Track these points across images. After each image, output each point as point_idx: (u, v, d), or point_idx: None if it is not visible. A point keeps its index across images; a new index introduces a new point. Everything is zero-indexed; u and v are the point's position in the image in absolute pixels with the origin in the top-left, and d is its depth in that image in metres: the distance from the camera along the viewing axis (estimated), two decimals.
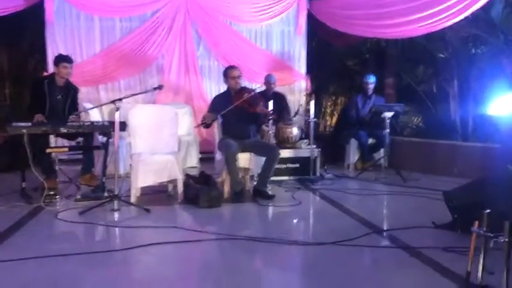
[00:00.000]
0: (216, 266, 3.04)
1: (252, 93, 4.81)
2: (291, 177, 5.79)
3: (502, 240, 2.18)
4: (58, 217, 3.95)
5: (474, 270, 2.32)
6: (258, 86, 5.88)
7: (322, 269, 2.91)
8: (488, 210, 2.34)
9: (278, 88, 6.84)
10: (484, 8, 5.83)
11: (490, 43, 6.71)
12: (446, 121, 7.37)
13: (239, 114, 4.74)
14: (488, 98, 6.04)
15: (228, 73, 4.98)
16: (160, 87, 4.63)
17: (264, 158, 4.80)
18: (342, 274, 2.80)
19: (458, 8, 5.81)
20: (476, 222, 2.37)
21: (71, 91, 5.11)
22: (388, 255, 3.13)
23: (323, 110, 9.10)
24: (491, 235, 2.28)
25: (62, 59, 5.00)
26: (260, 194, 4.72)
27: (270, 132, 5.52)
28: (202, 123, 4.71)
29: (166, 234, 3.56)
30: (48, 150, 4.65)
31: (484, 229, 2.33)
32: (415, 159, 6.52)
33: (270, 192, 4.77)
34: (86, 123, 4.67)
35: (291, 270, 3.02)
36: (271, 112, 5.03)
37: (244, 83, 7.32)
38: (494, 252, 2.26)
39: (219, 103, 4.91)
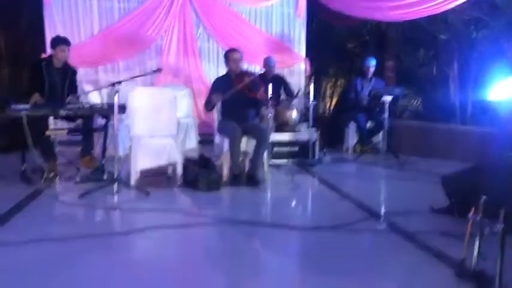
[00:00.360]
0: (215, 250, 3.08)
1: (253, 77, 4.79)
2: (290, 160, 5.81)
3: (497, 227, 2.21)
4: (58, 199, 3.98)
5: (469, 256, 2.35)
6: (258, 69, 5.85)
7: (319, 253, 2.95)
8: (484, 197, 2.37)
9: (277, 71, 6.80)
10: None
11: (491, 26, 6.66)
12: (445, 104, 7.36)
13: (239, 98, 4.72)
14: (488, 82, 6.02)
15: (229, 56, 4.96)
16: (159, 70, 4.62)
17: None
18: (339, 258, 2.83)
19: None
20: (473, 209, 2.39)
21: (69, 72, 5.08)
22: (385, 240, 3.17)
23: (322, 92, 9.05)
24: (487, 222, 2.30)
25: (60, 42, 4.95)
26: (250, 179, 4.63)
27: (270, 115, 5.51)
28: (206, 106, 4.73)
29: (166, 218, 3.60)
30: (47, 133, 4.66)
31: (480, 216, 2.35)
32: (413, 142, 6.52)
33: (260, 176, 4.71)
34: (86, 106, 4.66)
35: (289, 254, 3.05)
36: (270, 98, 5.00)
37: (244, 64, 7.32)
38: (490, 237, 2.29)
39: (219, 86, 4.89)
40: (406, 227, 3.32)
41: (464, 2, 5.86)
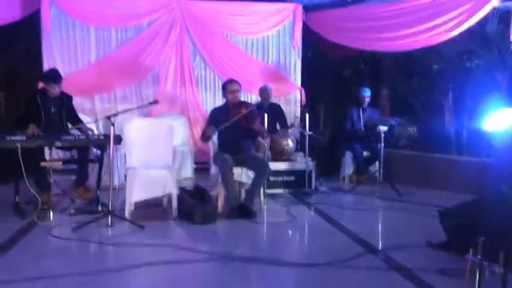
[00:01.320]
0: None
1: (250, 108, 4.80)
2: (286, 190, 5.78)
3: (497, 270, 2.18)
4: (51, 233, 3.92)
5: None
6: (255, 98, 5.87)
7: None
8: (483, 238, 2.34)
9: (273, 99, 6.84)
10: (480, 23, 5.88)
11: (484, 57, 6.76)
12: (440, 133, 7.40)
13: (236, 129, 4.73)
14: (483, 112, 6.07)
15: (227, 87, 4.98)
16: (155, 102, 4.66)
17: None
18: None
19: (454, 22, 5.90)
20: (471, 250, 2.37)
21: (64, 101, 5.07)
22: (383, 278, 3.12)
23: (318, 121, 9.08)
24: (486, 264, 2.28)
25: (49, 79, 4.94)
26: (244, 210, 4.57)
27: (266, 144, 5.51)
28: (203, 137, 4.74)
29: (160, 253, 3.55)
30: (42, 164, 4.61)
31: (479, 257, 2.33)
32: (410, 172, 6.52)
33: (256, 208, 4.68)
34: (81, 137, 4.65)
35: None
36: (266, 129, 5.00)
37: (240, 93, 7.36)
38: (490, 278, 2.27)
39: (217, 117, 4.92)
40: (403, 263, 3.27)
41: (457, 35, 5.96)
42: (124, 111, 4.51)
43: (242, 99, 5.51)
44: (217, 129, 4.71)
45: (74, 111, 5.25)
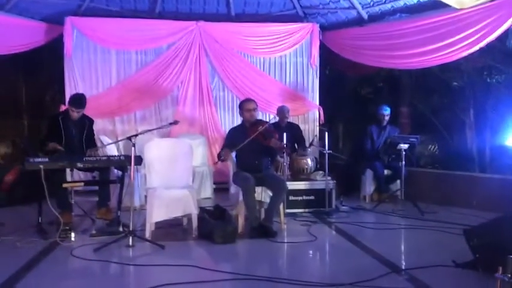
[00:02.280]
0: None
1: (267, 125, 4.81)
2: (306, 210, 5.73)
3: None
4: (73, 254, 3.94)
5: None
6: (272, 118, 5.89)
7: None
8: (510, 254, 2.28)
9: (292, 118, 6.86)
10: (499, 38, 5.82)
11: (505, 73, 6.67)
12: (462, 151, 7.29)
13: (253, 147, 4.74)
14: (505, 128, 5.98)
15: (244, 106, 5.01)
16: (175, 123, 4.68)
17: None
18: None
19: (473, 39, 5.83)
20: (501, 268, 2.30)
21: (86, 123, 5.18)
22: None
23: (337, 139, 9.05)
24: None
25: (72, 103, 5.07)
26: (264, 230, 4.53)
27: (285, 163, 5.50)
28: (219, 160, 4.76)
29: (181, 273, 3.53)
30: (64, 185, 4.69)
31: (509, 275, 2.26)
32: (432, 190, 6.42)
33: (276, 227, 4.65)
34: (102, 158, 4.72)
35: None
36: (285, 145, 5.00)
37: (258, 113, 7.39)
38: None
39: (234, 136, 4.95)
40: (429, 283, 3.19)
41: (476, 51, 5.91)
42: (145, 132, 4.56)
43: (259, 118, 5.53)
44: (234, 148, 4.72)
45: (94, 135, 5.33)
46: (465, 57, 6.13)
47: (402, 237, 4.87)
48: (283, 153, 5.24)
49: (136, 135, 4.25)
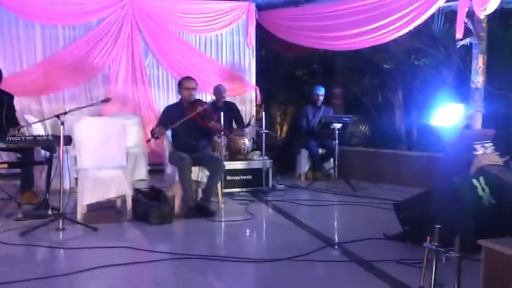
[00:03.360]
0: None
1: (206, 106, 4.73)
2: (244, 189, 5.75)
3: (453, 255, 2.23)
4: None
5: (426, 284, 2.36)
6: (211, 99, 5.82)
7: (276, 286, 2.88)
8: (438, 226, 2.40)
9: (228, 99, 6.81)
10: (426, 22, 6.08)
11: (431, 55, 7.01)
12: (391, 131, 7.62)
13: (190, 128, 4.65)
14: (431, 108, 6.30)
15: (183, 84, 4.88)
16: (107, 100, 4.47)
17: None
18: None
19: (402, 22, 6.05)
20: (428, 238, 2.42)
21: (4, 99, 4.83)
22: (343, 270, 3.14)
23: (273, 119, 9.13)
24: (443, 250, 2.33)
25: None
26: (202, 210, 4.51)
27: (222, 143, 5.47)
28: (152, 137, 4.61)
29: (115, 255, 3.41)
30: None
31: (436, 244, 2.38)
32: (363, 168, 6.67)
33: (213, 207, 4.65)
34: (28, 138, 4.40)
35: None
36: (221, 126, 4.94)
37: (196, 92, 7.28)
38: (446, 264, 2.32)
39: (170, 114, 4.81)
40: (362, 255, 3.32)
41: (404, 34, 6.14)
42: (74, 110, 4.31)
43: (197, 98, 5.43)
44: (171, 127, 4.60)
45: (15, 111, 4.99)
46: (394, 40, 6.35)
47: (335, 213, 5.04)
48: (222, 134, 5.19)
49: (65, 113, 4.02)
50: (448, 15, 6.34)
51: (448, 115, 5.66)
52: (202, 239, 4.03)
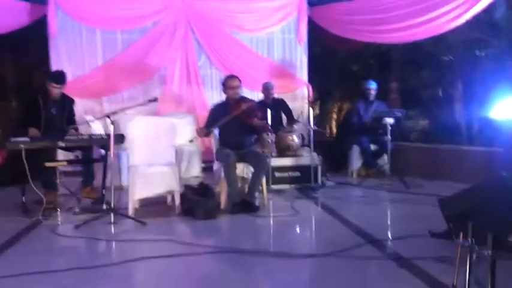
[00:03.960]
0: (211, 280, 3.01)
1: (250, 103, 4.79)
2: (292, 186, 5.75)
3: (485, 253, 2.13)
4: (54, 231, 3.98)
5: (460, 282, 2.26)
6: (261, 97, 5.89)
7: (313, 282, 2.88)
8: (472, 221, 2.30)
9: (280, 96, 6.84)
10: (487, 10, 5.77)
11: (493, 46, 6.61)
12: (451, 124, 7.27)
13: (236, 125, 4.74)
14: (493, 100, 5.96)
15: (227, 83, 4.98)
16: (155, 100, 4.67)
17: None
18: (335, 287, 2.75)
19: (459, 11, 5.78)
20: (461, 234, 2.32)
21: (66, 103, 5.15)
22: (379, 267, 3.08)
23: (327, 116, 9.03)
24: (476, 248, 2.23)
25: (52, 79, 4.99)
26: (247, 206, 4.58)
27: (269, 140, 5.50)
28: (198, 134, 4.78)
29: (161, 248, 3.56)
30: (47, 164, 4.68)
31: (469, 241, 2.28)
32: (419, 164, 6.44)
33: (258, 203, 4.70)
34: (84, 137, 4.71)
35: (284, 283, 2.97)
36: (266, 124, 4.98)
37: (246, 91, 7.36)
38: (482, 263, 2.22)
39: (217, 113, 4.94)
40: (403, 253, 3.22)
41: (463, 23, 5.86)
42: (121, 110, 4.55)
43: (247, 96, 5.52)
44: (215, 125, 4.73)
45: (74, 114, 5.31)
46: (452, 30, 6.08)
47: (384, 211, 4.90)
48: (266, 132, 5.24)
49: (115, 113, 4.25)
50: (511, 2, 5.96)
51: (508, 108, 5.33)
52: (245, 234, 4.09)
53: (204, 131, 4.77)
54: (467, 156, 6.06)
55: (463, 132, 7.00)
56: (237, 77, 5.06)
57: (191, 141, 4.88)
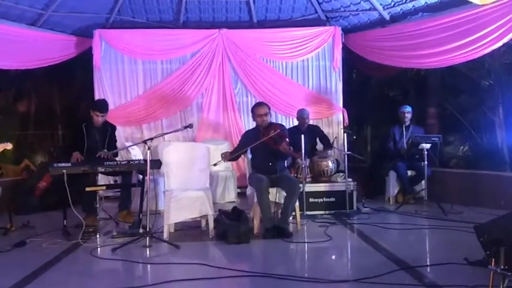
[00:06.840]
0: None
1: (278, 130, 4.83)
2: (327, 212, 5.72)
3: None
4: (91, 253, 4.12)
5: None
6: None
7: None
8: (505, 247, 2.24)
9: (315, 122, 6.88)
10: None
11: None
12: (493, 151, 7.05)
13: (266, 150, 4.81)
14: None
15: (255, 111, 5.06)
16: (190, 126, 4.78)
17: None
18: None
19: (496, 35, 5.70)
20: (493, 260, 2.26)
21: (108, 130, 5.38)
22: None
23: (362, 141, 8.95)
24: (509, 274, 2.17)
25: (95, 108, 5.26)
26: (280, 231, 4.57)
27: (302, 166, 5.53)
28: (223, 159, 4.89)
29: (194, 271, 3.62)
30: (87, 189, 4.87)
31: (501, 267, 2.22)
32: (458, 191, 6.27)
33: (291, 228, 4.71)
34: (123, 162, 4.89)
35: None
36: (291, 150, 4.98)
37: (282, 117, 7.47)
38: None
39: (247, 138, 5.05)
40: (438, 281, 3.15)
41: (501, 47, 5.76)
42: (158, 136, 4.72)
43: (280, 122, 5.61)
44: (242, 150, 4.87)
45: (116, 141, 5.53)
46: (490, 55, 5.99)
47: (419, 237, 4.78)
48: (295, 158, 5.26)
49: (151, 139, 4.41)
50: None
51: None
52: (277, 259, 4.09)
53: (229, 156, 4.88)
54: (508, 183, 5.86)
55: (506, 159, 6.77)
56: (266, 104, 5.13)
57: (215, 164, 4.94)
